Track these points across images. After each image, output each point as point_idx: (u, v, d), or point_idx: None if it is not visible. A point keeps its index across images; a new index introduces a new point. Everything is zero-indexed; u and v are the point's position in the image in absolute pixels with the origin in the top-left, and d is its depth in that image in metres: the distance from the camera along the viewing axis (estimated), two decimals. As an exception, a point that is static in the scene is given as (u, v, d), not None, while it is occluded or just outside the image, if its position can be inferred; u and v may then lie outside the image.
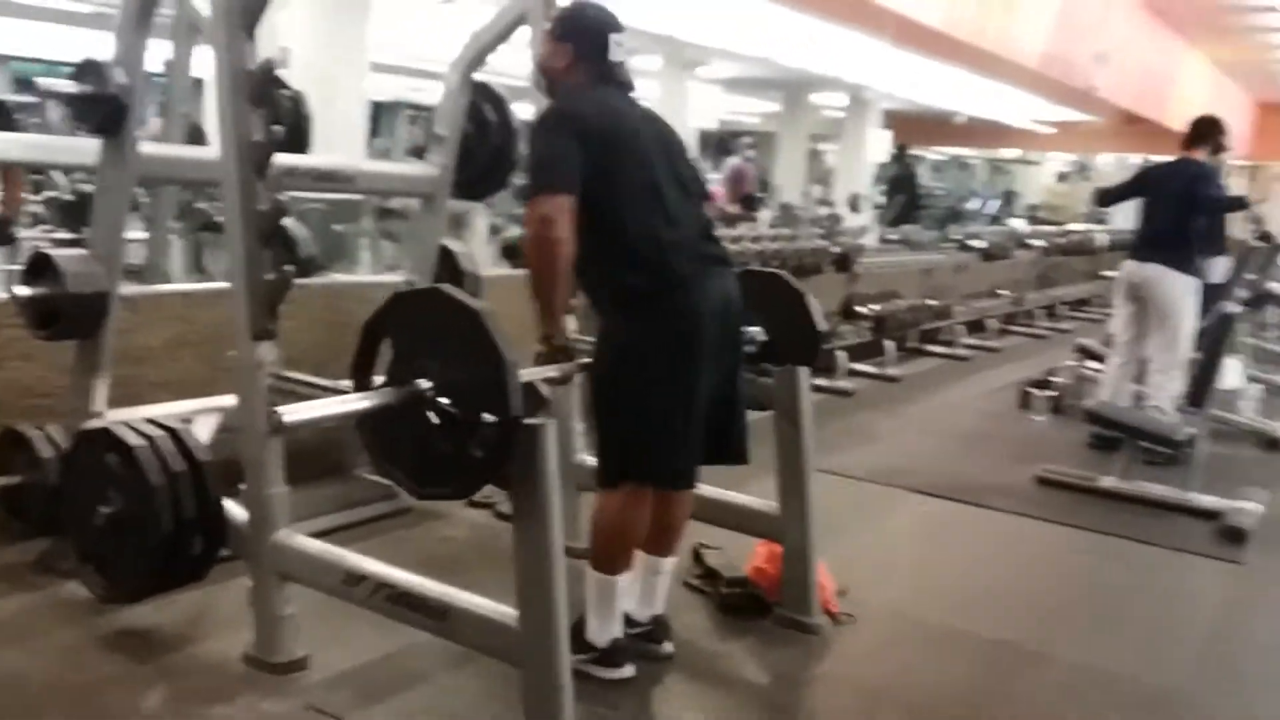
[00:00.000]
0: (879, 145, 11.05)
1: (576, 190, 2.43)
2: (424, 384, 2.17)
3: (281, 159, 3.25)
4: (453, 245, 3.88)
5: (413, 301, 2.33)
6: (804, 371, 3.06)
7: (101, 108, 2.72)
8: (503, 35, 3.53)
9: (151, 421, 2.69)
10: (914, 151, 22.13)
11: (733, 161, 11.64)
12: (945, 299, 8.06)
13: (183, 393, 3.49)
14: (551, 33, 2.71)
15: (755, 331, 3.04)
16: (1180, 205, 5.07)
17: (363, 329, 2.28)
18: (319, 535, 3.39)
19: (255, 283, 2.54)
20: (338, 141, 8.16)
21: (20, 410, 3.17)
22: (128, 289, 3.67)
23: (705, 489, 3.28)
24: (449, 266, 3.85)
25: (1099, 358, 6.31)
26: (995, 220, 16.45)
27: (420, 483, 2.27)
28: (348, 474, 3.95)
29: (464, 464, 2.16)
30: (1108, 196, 5.71)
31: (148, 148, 2.86)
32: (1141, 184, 5.48)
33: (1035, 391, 6.24)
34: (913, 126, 19.79)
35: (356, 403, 2.26)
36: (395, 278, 3.93)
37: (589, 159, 2.46)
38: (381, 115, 19.67)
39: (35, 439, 2.88)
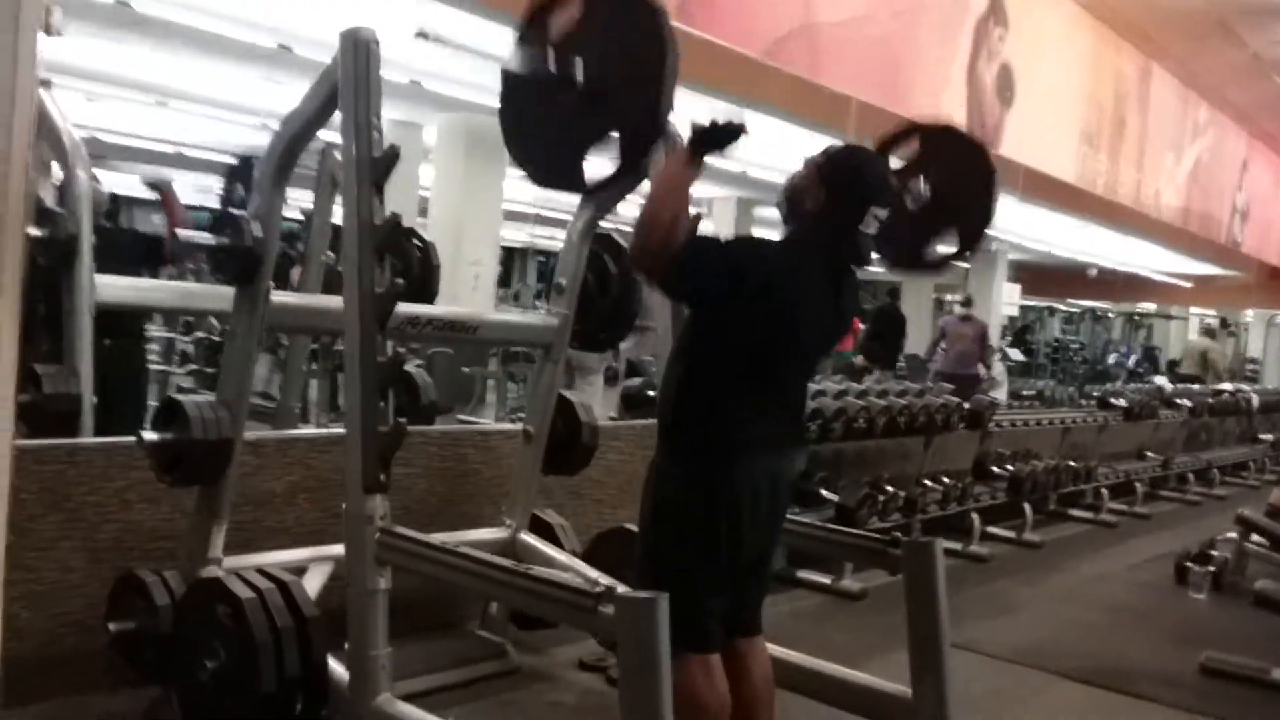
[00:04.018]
0: (1009, 298, 10.77)
1: (684, 276, 2.39)
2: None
3: (409, 309, 3.31)
4: (570, 395, 3.83)
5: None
6: (939, 542, 2.85)
7: (238, 260, 2.79)
8: (630, 186, 3.54)
9: (262, 572, 2.64)
10: (1045, 303, 21.74)
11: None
12: (1086, 460, 7.63)
13: (298, 539, 3.47)
14: (817, 168, 2.51)
15: (920, 185, 3.05)
16: None
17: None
18: (425, 694, 3.31)
19: (370, 434, 2.50)
20: (463, 284, 8.47)
21: (144, 553, 3.17)
22: (254, 433, 3.74)
23: (829, 667, 3.07)
24: (566, 416, 3.79)
25: (1263, 531, 5.81)
26: (1135, 374, 15.84)
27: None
28: (459, 629, 3.84)
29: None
30: None
31: (278, 297, 2.91)
32: None
33: (1193, 565, 5.75)
34: (1044, 278, 19.45)
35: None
36: (511, 426, 3.89)
37: (737, 295, 2.41)
38: (514, 260, 20.43)
39: (151, 584, 2.86)
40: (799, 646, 3.70)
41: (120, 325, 4.54)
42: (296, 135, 2.82)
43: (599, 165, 2.42)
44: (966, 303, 10.46)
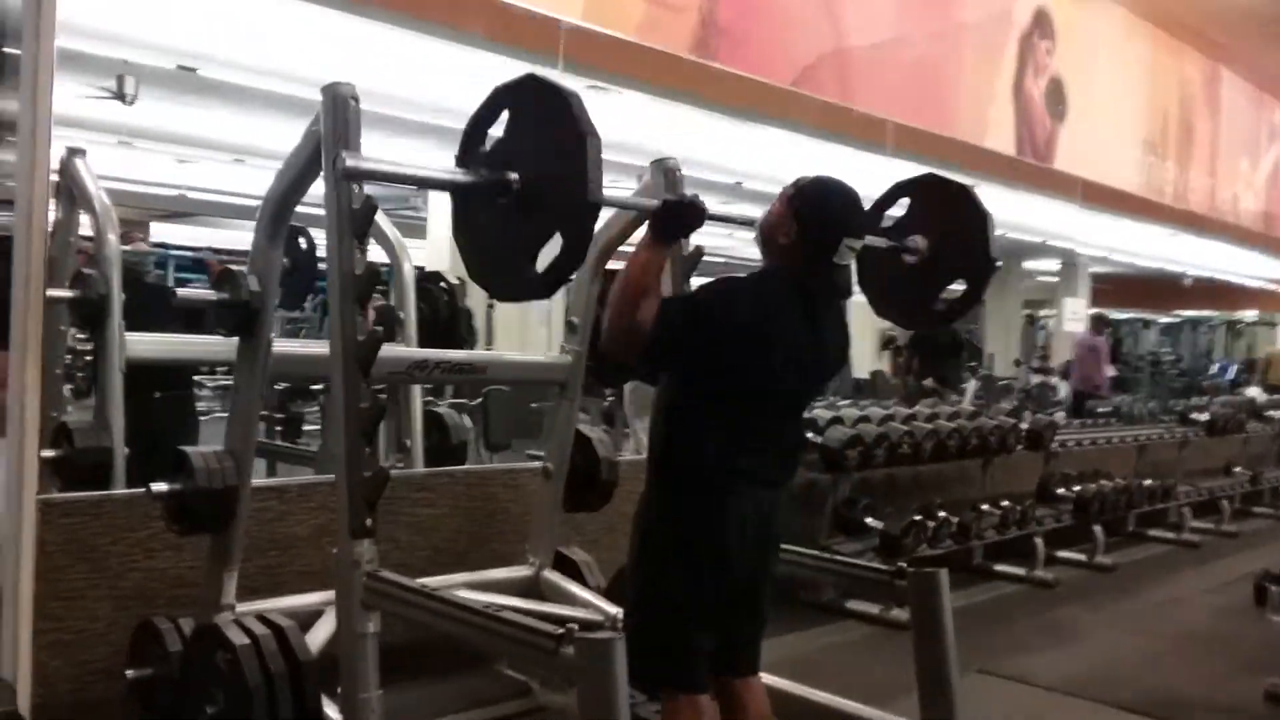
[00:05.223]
0: (1073, 313, 10.55)
1: (655, 354, 2.42)
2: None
3: (415, 353, 3.38)
4: (588, 431, 3.84)
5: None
6: (943, 572, 2.77)
7: (236, 314, 2.87)
8: (633, 226, 3.55)
9: (262, 618, 2.70)
10: (1136, 315, 20.95)
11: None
12: (1165, 478, 7.33)
13: (325, 582, 3.52)
14: (788, 201, 2.50)
15: (916, 240, 3.02)
16: None
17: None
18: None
19: (355, 479, 2.55)
20: (534, 321, 8.57)
21: (169, 600, 3.27)
22: (278, 479, 3.84)
23: (837, 700, 3.01)
24: (584, 452, 3.80)
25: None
26: (1234, 387, 15.13)
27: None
28: (485, 668, 3.86)
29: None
30: None
31: (278, 347, 2.99)
32: None
33: (1273, 586, 5.45)
34: (1137, 289, 18.80)
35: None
36: (533, 464, 3.91)
37: (708, 348, 2.41)
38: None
39: (166, 631, 2.94)
40: (840, 679, 3.64)
41: (169, 378, 4.72)
42: (288, 190, 2.88)
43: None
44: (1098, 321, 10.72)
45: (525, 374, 4.01)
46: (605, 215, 3.62)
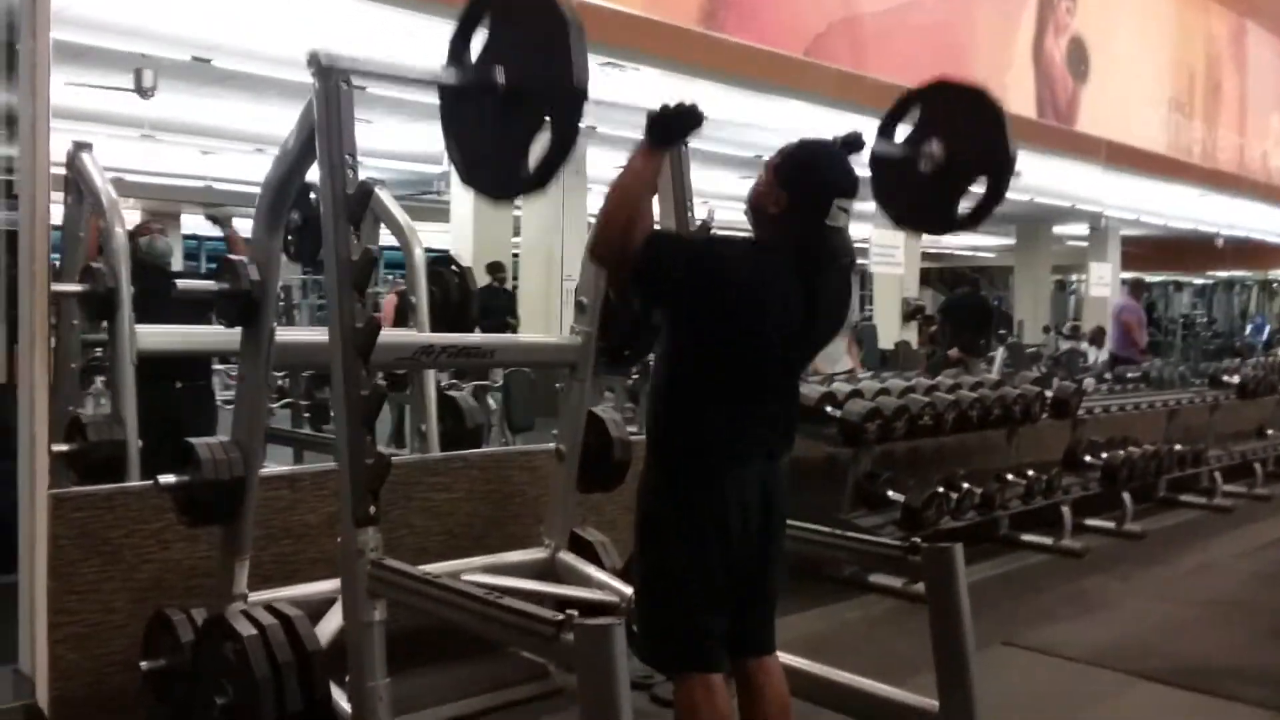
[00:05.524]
0: (1099, 278, 10.36)
1: (646, 277, 2.39)
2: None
3: (421, 337, 3.35)
4: (600, 412, 3.81)
5: None
6: (957, 547, 2.72)
7: (237, 303, 2.86)
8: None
9: (270, 608, 2.70)
10: (1168, 277, 20.66)
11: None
12: (1196, 443, 7.21)
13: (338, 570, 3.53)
14: (774, 170, 2.44)
15: (932, 146, 2.99)
16: None
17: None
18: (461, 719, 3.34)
19: (357, 467, 2.53)
20: (557, 301, 8.60)
21: (185, 590, 3.27)
22: (290, 467, 3.84)
23: (855, 679, 2.97)
24: (597, 433, 3.77)
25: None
26: (1269, 347, 14.90)
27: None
28: (500, 651, 3.85)
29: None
30: None
31: (281, 336, 2.97)
32: None
33: (1306, 550, 5.36)
34: (1169, 251, 18.53)
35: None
36: (546, 446, 3.89)
37: (703, 297, 2.37)
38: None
39: (178, 623, 2.95)
40: (863, 655, 3.61)
41: (189, 368, 4.74)
42: (285, 176, 2.86)
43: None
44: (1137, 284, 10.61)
45: (535, 356, 3.99)
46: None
